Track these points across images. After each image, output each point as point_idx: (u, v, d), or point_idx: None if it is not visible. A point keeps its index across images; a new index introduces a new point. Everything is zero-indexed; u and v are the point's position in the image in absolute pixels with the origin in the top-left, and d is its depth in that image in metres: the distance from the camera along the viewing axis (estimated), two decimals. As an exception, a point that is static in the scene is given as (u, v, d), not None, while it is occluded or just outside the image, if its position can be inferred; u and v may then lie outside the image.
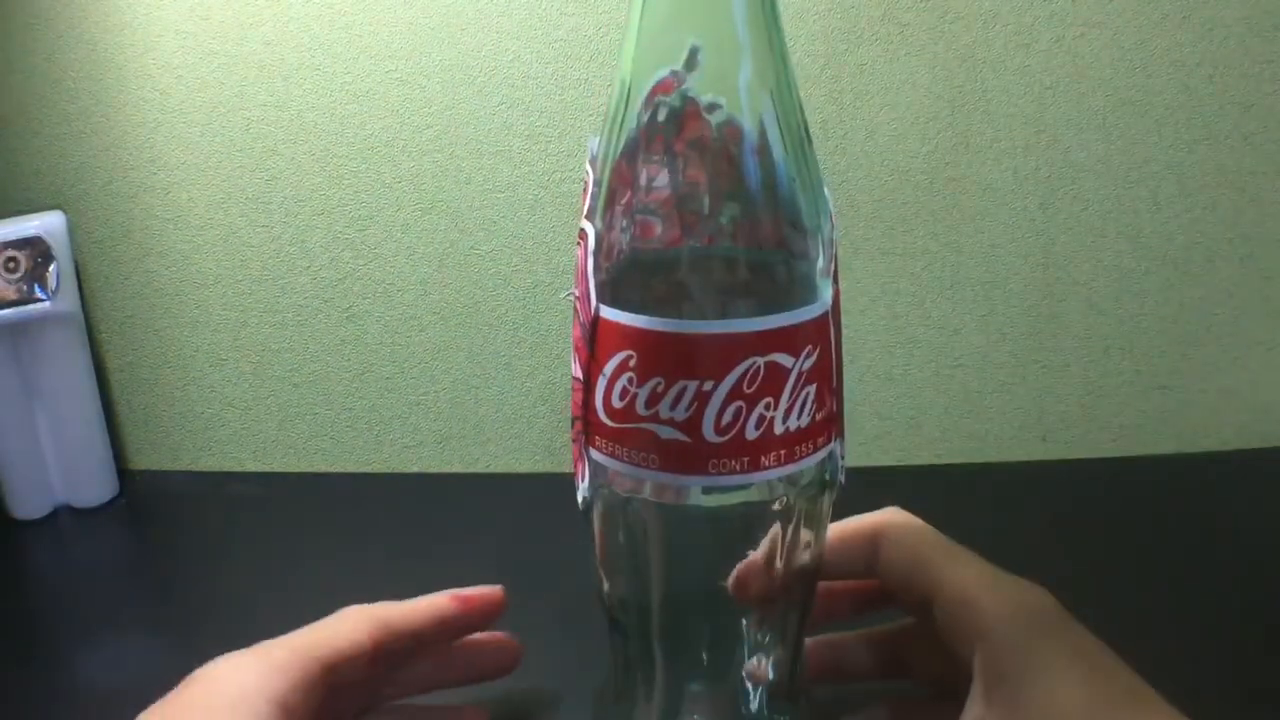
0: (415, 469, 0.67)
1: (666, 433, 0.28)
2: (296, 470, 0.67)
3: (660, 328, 0.28)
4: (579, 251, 0.29)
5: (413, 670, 0.40)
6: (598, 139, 0.30)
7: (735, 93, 0.28)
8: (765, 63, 0.29)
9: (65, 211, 0.61)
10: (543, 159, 0.61)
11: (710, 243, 0.29)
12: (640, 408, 0.28)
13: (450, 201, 0.62)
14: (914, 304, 0.63)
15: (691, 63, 0.28)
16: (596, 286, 0.29)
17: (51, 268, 0.59)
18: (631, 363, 0.28)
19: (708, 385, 0.28)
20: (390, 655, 0.36)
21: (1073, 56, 0.58)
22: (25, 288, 0.59)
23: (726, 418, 0.28)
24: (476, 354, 0.65)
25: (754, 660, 0.34)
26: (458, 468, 0.67)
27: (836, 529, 0.35)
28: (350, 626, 0.35)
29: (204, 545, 0.61)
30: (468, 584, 0.41)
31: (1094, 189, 0.61)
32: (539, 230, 0.62)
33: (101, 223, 0.63)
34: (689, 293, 0.29)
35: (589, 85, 0.59)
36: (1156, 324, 0.63)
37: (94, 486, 0.64)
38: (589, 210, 0.30)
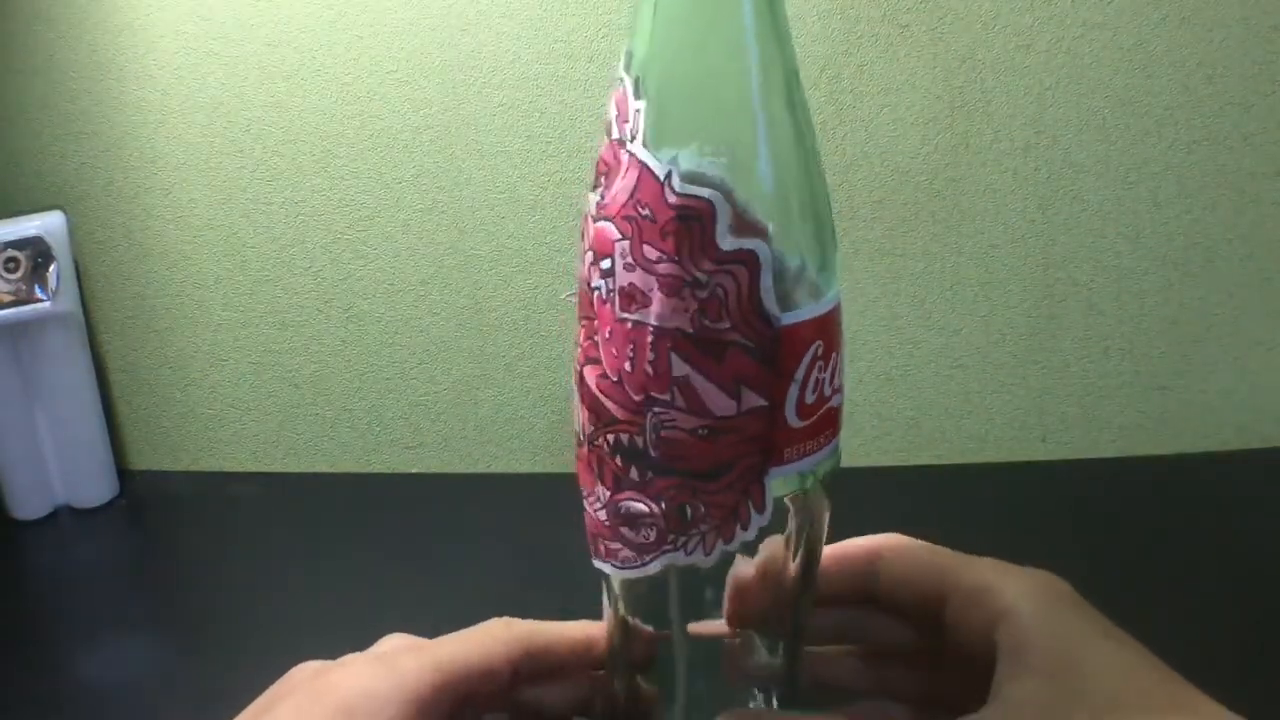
0: (415, 469, 0.67)
1: (837, 399, 0.30)
2: (296, 470, 0.67)
3: (832, 305, 0.30)
4: (730, 281, 0.28)
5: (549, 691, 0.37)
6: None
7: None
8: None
9: (65, 211, 0.61)
10: (543, 160, 0.61)
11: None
12: (826, 390, 0.30)
13: (451, 202, 0.62)
14: (914, 304, 0.63)
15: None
16: (776, 300, 0.28)
17: (51, 268, 0.59)
18: (819, 351, 0.29)
19: (843, 343, 0.31)
20: (531, 677, 0.34)
21: (1073, 57, 0.58)
22: (25, 288, 0.59)
23: (846, 365, 0.31)
24: (477, 355, 0.65)
25: (765, 659, 0.34)
26: (458, 468, 0.67)
27: (833, 550, 0.35)
28: (488, 644, 0.33)
29: (204, 545, 0.61)
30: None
31: (1094, 189, 0.61)
32: (539, 231, 0.62)
33: (101, 223, 0.63)
34: (820, 268, 0.30)
35: (590, 86, 0.59)
36: (1156, 324, 0.63)
37: (94, 486, 0.64)
38: (743, 228, 0.28)
